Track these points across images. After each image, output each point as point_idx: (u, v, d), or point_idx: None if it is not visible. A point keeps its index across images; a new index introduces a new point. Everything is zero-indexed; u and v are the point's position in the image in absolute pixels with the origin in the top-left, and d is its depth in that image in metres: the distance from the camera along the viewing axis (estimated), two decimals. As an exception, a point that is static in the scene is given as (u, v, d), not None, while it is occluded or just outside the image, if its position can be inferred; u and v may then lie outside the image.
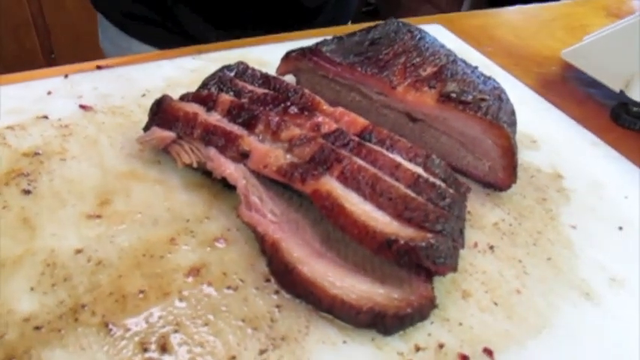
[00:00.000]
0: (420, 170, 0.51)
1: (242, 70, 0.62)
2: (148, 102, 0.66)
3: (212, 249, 0.50)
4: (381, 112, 0.62)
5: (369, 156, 0.51)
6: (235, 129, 0.55)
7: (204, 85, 0.60)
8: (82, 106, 0.66)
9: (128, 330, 0.43)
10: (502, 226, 0.56)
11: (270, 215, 0.51)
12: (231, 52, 0.79)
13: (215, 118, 0.56)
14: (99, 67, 0.74)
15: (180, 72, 0.75)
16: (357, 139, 0.53)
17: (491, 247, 0.54)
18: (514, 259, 0.53)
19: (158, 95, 0.68)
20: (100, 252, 0.49)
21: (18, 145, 0.59)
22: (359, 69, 0.60)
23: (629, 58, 0.78)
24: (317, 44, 0.64)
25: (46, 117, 0.64)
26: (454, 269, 0.47)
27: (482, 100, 0.55)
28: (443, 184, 0.51)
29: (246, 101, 0.57)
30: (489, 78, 0.62)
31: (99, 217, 0.52)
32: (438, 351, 0.44)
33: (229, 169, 0.54)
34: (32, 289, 0.45)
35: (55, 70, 0.72)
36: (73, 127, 0.63)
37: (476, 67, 0.63)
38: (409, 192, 0.49)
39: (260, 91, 0.59)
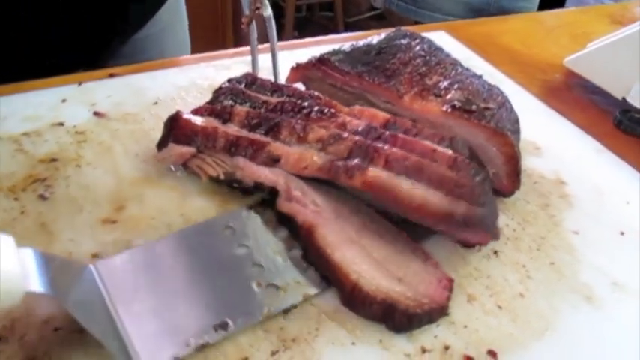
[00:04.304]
0: (450, 152, 0.53)
1: (251, 81, 0.63)
2: (160, 110, 0.69)
3: (224, 253, 0.52)
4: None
5: (406, 145, 0.54)
6: (259, 137, 0.56)
7: (216, 97, 0.61)
8: (96, 114, 0.68)
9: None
10: (506, 231, 0.57)
11: (312, 206, 0.53)
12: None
13: (234, 130, 0.57)
14: (111, 75, 0.76)
15: (191, 80, 0.76)
16: (386, 131, 0.55)
17: (496, 252, 0.55)
18: (518, 264, 0.54)
19: (169, 103, 0.70)
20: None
21: (35, 151, 0.61)
22: (367, 78, 0.62)
23: (631, 66, 0.79)
24: (325, 54, 0.66)
25: (61, 124, 0.65)
26: (497, 238, 0.54)
27: (487, 108, 0.57)
28: (474, 162, 0.54)
29: (263, 111, 0.59)
30: (494, 86, 0.63)
31: (114, 222, 0.54)
32: (443, 352, 0.46)
33: (264, 173, 0.55)
34: (52, 291, 0.47)
35: (69, 78, 0.74)
36: (88, 134, 0.65)
37: (480, 76, 0.65)
38: (452, 173, 0.52)
39: (275, 99, 0.60)
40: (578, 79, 0.87)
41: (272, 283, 0.49)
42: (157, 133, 0.60)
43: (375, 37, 0.68)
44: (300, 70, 0.66)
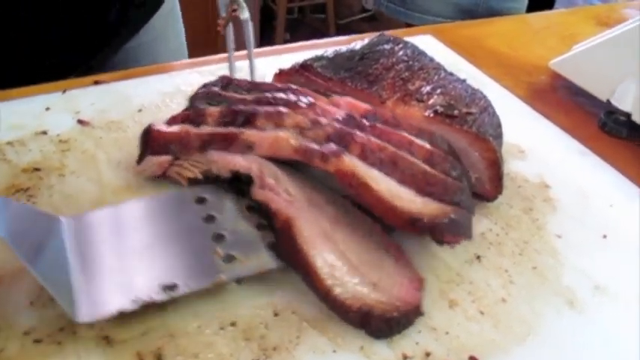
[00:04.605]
0: (428, 146, 0.54)
1: (226, 83, 0.63)
2: (144, 117, 0.69)
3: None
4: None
5: (384, 135, 0.54)
6: (233, 129, 0.56)
7: (191, 104, 0.61)
8: (80, 122, 0.68)
9: (125, 342, 0.45)
10: (489, 236, 0.58)
11: (285, 194, 0.52)
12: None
13: (208, 129, 0.57)
14: (96, 83, 0.76)
15: (176, 87, 0.76)
16: (365, 121, 0.55)
17: (479, 257, 0.55)
18: (500, 269, 0.54)
19: (154, 110, 0.70)
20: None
21: (18, 160, 0.61)
22: (349, 84, 0.62)
23: (615, 68, 0.80)
24: (308, 60, 0.66)
25: (45, 132, 0.65)
26: (469, 237, 0.53)
27: (469, 113, 0.57)
28: (451, 157, 0.54)
29: (239, 107, 0.58)
30: (477, 91, 0.63)
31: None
32: (424, 359, 0.46)
33: (238, 160, 0.54)
34: (32, 303, 0.47)
35: (53, 86, 0.74)
36: (72, 142, 0.64)
37: (464, 80, 0.65)
38: (426, 167, 0.52)
39: (251, 97, 0.60)
40: (564, 82, 0.87)
41: (231, 253, 0.50)
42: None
43: (359, 43, 0.68)
44: (283, 76, 0.66)
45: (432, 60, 0.67)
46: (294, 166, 0.55)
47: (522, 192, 0.64)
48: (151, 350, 0.44)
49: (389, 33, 0.73)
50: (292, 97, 0.58)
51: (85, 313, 0.44)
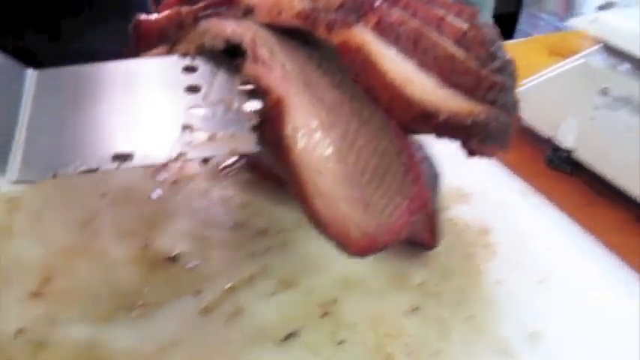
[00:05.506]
0: (464, 25, 0.44)
1: None
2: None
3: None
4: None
5: (409, 7, 0.45)
6: None
7: None
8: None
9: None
10: (428, 286, 0.59)
11: (280, 70, 0.44)
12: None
13: (203, 2, 0.51)
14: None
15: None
16: None
17: (417, 308, 0.56)
18: (439, 320, 0.56)
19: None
20: (40, 333, 0.51)
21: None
22: None
23: (558, 105, 0.82)
24: None
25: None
26: (506, 147, 0.44)
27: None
28: (495, 45, 0.44)
29: None
30: (415, 140, 0.64)
31: (41, 295, 0.55)
32: (358, 418, 0.47)
33: (231, 26, 0.47)
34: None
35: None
36: (20, 200, 0.65)
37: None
38: (456, 50, 0.43)
39: None
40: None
41: (203, 129, 0.45)
42: (92, 199, 0.60)
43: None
44: None
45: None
46: (299, 46, 0.47)
47: (463, 238, 0.65)
48: None
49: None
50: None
51: (18, 172, 0.41)
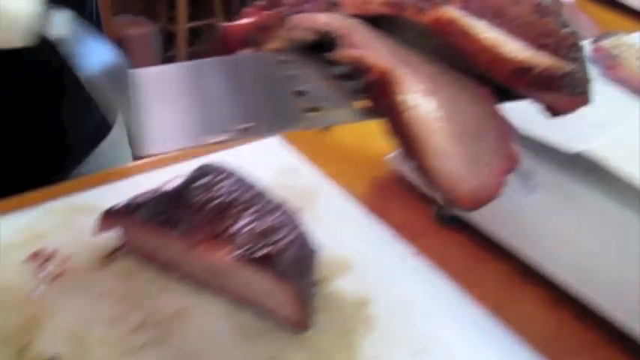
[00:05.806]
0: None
1: None
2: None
3: None
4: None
5: None
6: None
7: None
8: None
9: None
10: (302, 372, 0.59)
11: (377, 51, 0.48)
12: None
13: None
14: None
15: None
16: None
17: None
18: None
19: None
20: None
21: None
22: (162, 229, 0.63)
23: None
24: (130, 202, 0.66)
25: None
26: (588, 102, 0.49)
27: (269, 256, 0.59)
28: (562, 9, 0.49)
29: None
30: (289, 218, 0.65)
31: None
32: None
33: (321, 18, 0.50)
34: None
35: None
36: None
37: (280, 206, 0.66)
38: (537, 17, 0.47)
39: None
40: (404, 174, 0.89)
41: (314, 106, 0.48)
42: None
43: (179, 178, 0.69)
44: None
45: (251, 188, 0.68)
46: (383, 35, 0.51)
47: (342, 313, 0.65)
48: None
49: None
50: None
51: (150, 145, 0.44)
